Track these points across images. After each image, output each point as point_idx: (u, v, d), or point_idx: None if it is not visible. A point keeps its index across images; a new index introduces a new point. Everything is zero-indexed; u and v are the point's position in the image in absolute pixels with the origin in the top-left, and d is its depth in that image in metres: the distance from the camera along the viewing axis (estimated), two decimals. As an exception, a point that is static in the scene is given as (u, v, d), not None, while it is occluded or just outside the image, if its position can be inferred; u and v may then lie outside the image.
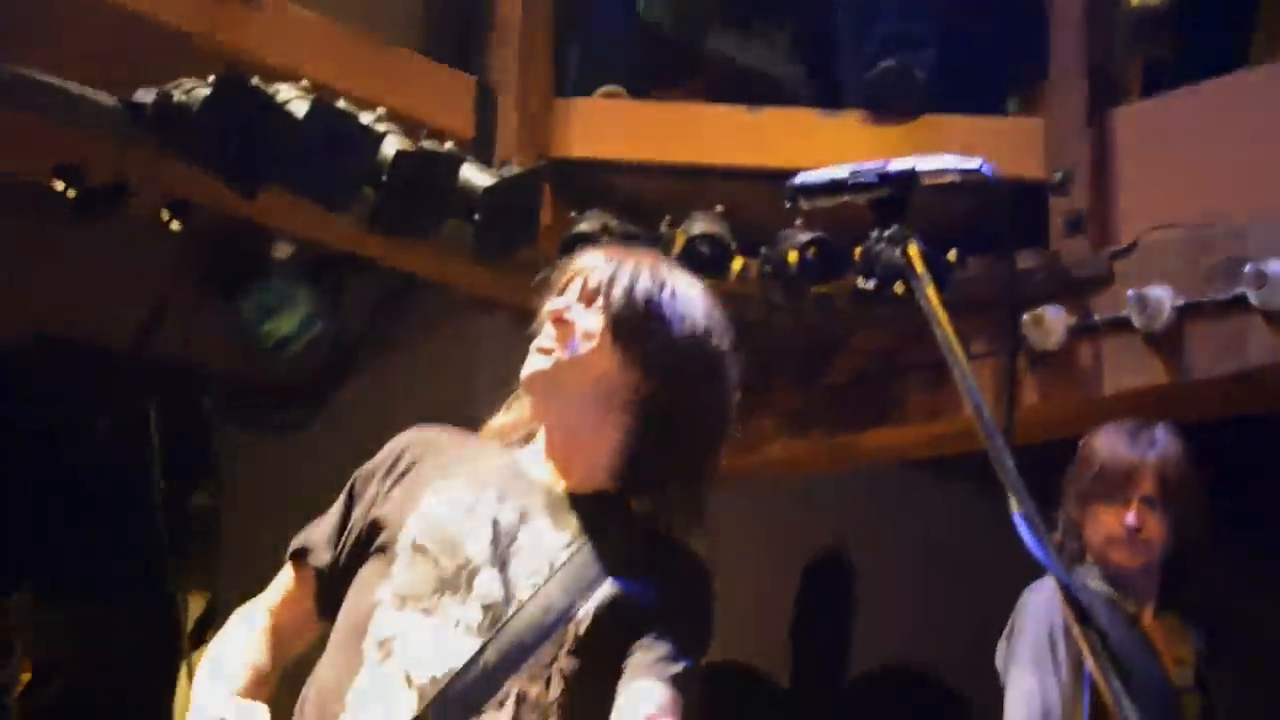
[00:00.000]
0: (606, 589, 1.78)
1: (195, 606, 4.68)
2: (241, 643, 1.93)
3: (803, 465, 4.55)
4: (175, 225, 3.71)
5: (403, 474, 1.95)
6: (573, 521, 1.86)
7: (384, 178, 3.53)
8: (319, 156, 3.47)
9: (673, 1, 4.38)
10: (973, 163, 1.56)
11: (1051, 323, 3.98)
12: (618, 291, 1.89)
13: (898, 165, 1.57)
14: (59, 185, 3.66)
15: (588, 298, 1.93)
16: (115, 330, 4.58)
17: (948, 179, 1.57)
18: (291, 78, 3.51)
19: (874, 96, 4.03)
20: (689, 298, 1.92)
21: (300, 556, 1.99)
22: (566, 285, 1.95)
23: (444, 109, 3.95)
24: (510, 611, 1.76)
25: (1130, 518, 2.90)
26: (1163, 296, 3.85)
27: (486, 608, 1.77)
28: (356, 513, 1.96)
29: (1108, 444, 2.98)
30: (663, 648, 1.75)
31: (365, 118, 3.54)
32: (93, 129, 3.52)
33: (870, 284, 4.14)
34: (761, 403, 4.23)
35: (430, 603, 1.79)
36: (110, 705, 4.75)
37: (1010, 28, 4.25)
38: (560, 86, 4.14)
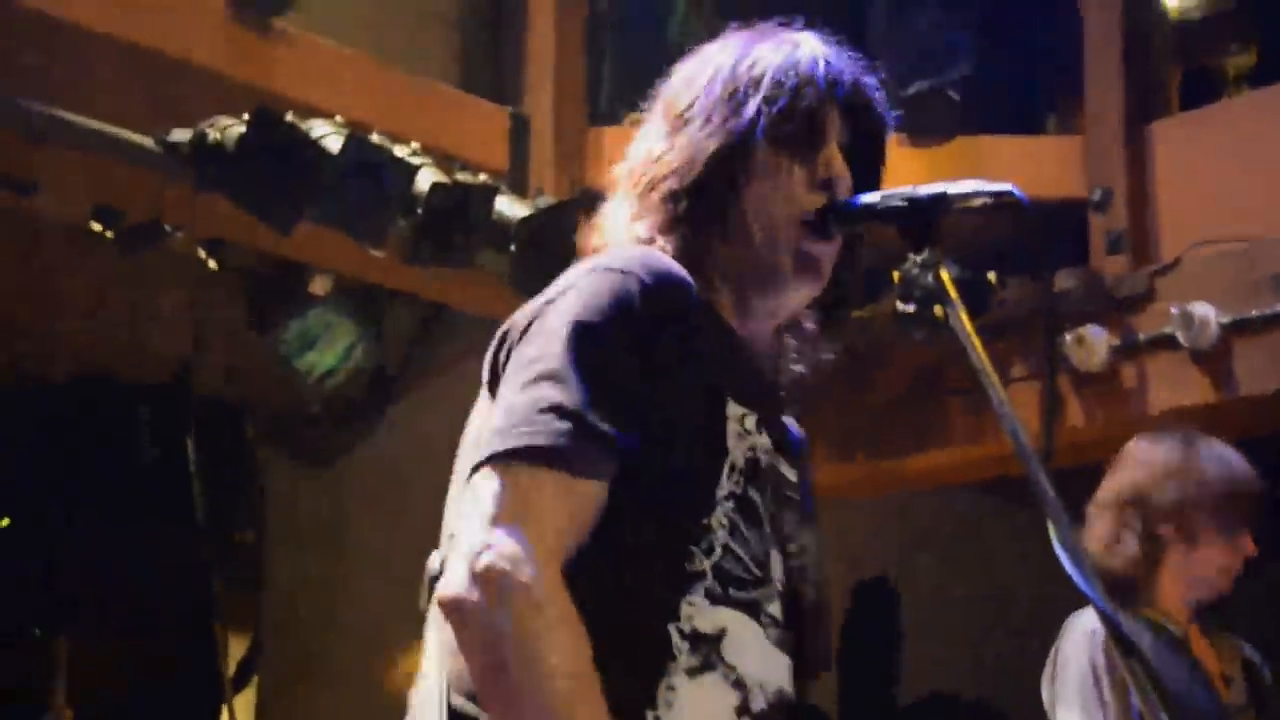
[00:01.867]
0: None
1: (237, 647, 4.67)
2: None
3: (846, 490, 4.51)
4: (213, 264, 3.73)
5: None
6: None
7: (419, 210, 3.53)
8: (354, 190, 3.48)
9: (707, 25, 4.37)
10: (1003, 186, 1.52)
11: (1094, 342, 3.94)
12: None
13: (928, 189, 1.54)
14: (97, 226, 3.69)
15: None
16: (157, 365, 4.61)
17: (979, 202, 1.54)
18: (325, 113, 3.53)
19: (908, 120, 4.00)
20: None
21: None
22: None
23: (478, 141, 3.96)
24: None
25: (1250, 547, 2.77)
26: (1208, 313, 3.81)
27: None
28: None
29: (1224, 468, 2.77)
30: None
31: (399, 151, 3.55)
32: (131, 168, 3.56)
33: (909, 307, 4.16)
34: (804, 427, 4.20)
35: None
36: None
37: (1046, 43, 4.21)
38: (592, 112, 4.14)
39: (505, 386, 1.46)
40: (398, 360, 4.77)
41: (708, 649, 1.44)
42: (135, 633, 4.57)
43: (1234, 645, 2.90)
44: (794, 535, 1.55)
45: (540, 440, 1.39)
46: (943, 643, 5.54)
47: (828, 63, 1.57)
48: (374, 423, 4.75)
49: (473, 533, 1.37)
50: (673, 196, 1.56)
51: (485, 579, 1.34)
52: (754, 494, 1.49)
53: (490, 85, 4.16)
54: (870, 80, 1.61)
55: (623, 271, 1.47)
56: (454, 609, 1.36)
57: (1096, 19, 4.11)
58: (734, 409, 1.51)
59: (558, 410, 1.40)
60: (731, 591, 1.46)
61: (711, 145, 1.55)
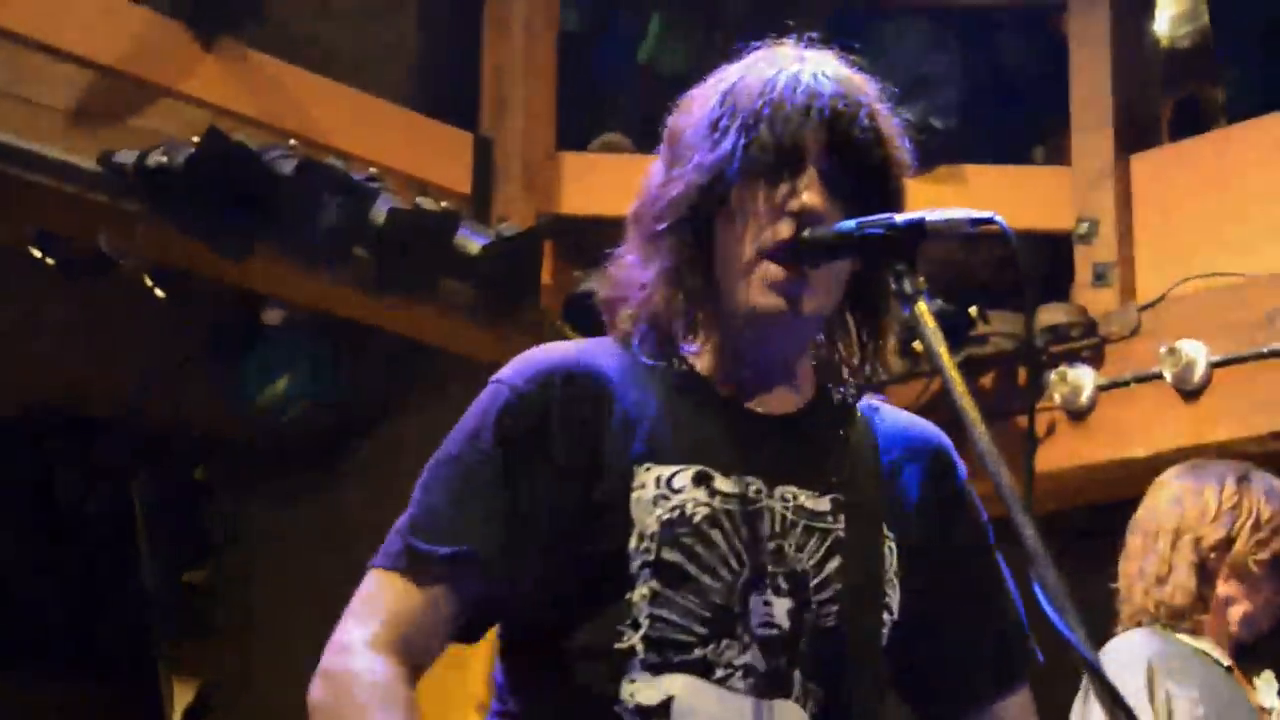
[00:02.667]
0: None
1: (184, 695, 4.48)
2: None
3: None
4: (159, 292, 3.58)
5: None
6: None
7: (377, 237, 3.40)
8: (308, 216, 3.34)
9: (677, 47, 4.27)
10: (985, 214, 1.46)
11: (1079, 379, 3.85)
12: None
13: (905, 217, 1.47)
14: (37, 253, 3.54)
15: None
16: (104, 398, 4.45)
17: (959, 230, 1.47)
18: (279, 135, 3.39)
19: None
20: None
21: None
22: None
23: (440, 165, 3.84)
24: None
25: None
26: (1196, 350, 3.72)
27: None
28: None
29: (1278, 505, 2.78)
30: None
31: (356, 175, 3.42)
32: (73, 192, 3.41)
33: (887, 341, 4.06)
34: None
35: None
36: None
37: (1034, 72, 4.14)
38: (559, 136, 4.02)
39: None
40: (365, 397, 4.61)
41: None
42: (76, 678, 4.39)
43: (1270, 679, 2.87)
44: (818, 572, 1.51)
45: (379, 560, 1.53)
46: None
47: (806, 84, 1.51)
48: (337, 461, 4.59)
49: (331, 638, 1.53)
50: (660, 236, 1.53)
51: (323, 677, 1.49)
52: (674, 555, 1.48)
53: (453, 107, 4.03)
54: (861, 99, 1.52)
55: (493, 382, 1.55)
56: (309, 712, 1.49)
57: (1085, 48, 4.03)
58: (654, 473, 1.49)
59: (397, 531, 1.53)
60: (673, 656, 1.47)
61: (696, 180, 1.51)
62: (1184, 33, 4.11)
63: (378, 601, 1.50)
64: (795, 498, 1.52)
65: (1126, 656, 2.68)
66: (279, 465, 4.65)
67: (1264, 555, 2.73)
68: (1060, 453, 3.91)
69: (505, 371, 1.55)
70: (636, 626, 1.46)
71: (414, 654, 1.49)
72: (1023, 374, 3.85)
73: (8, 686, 4.33)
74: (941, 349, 1.43)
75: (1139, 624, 2.75)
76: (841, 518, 1.53)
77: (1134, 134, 4.02)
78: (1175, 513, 2.76)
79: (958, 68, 4.04)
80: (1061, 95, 4.07)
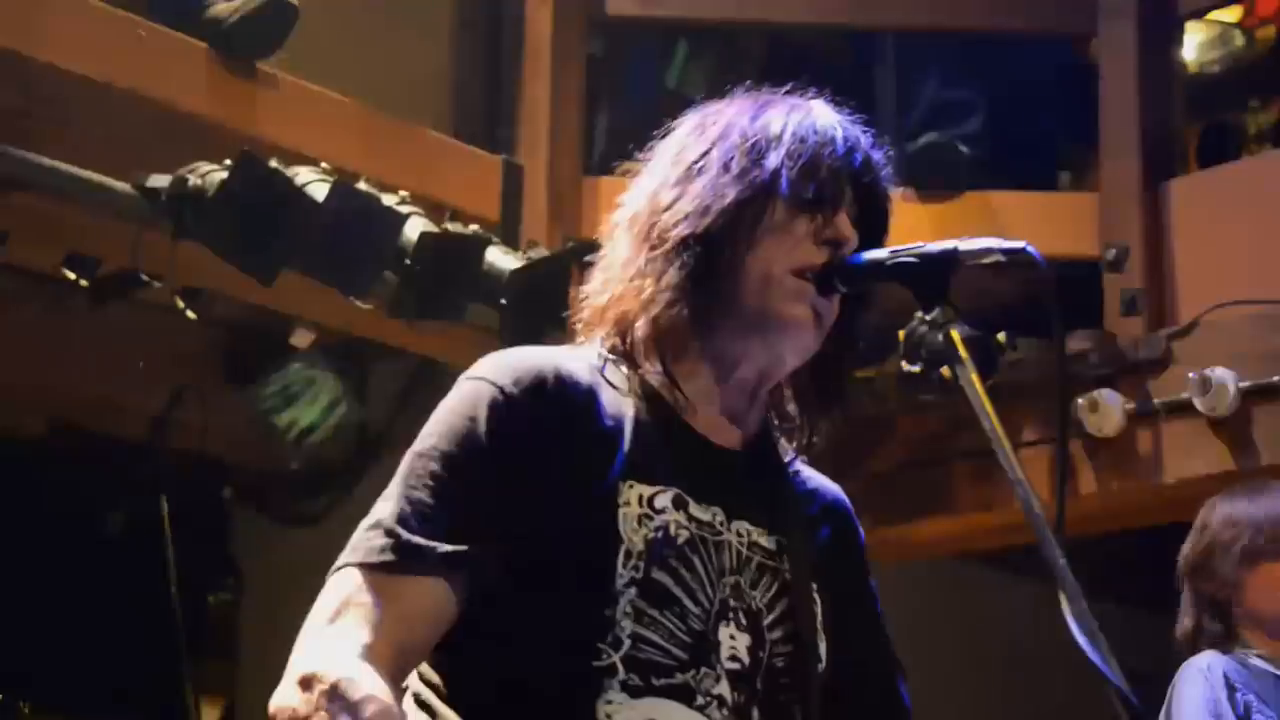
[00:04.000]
0: None
1: (209, 716, 4.49)
2: None
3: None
4: (190, 314, 3.60)
5: None
6: None
7: (407, 261, 3.41)
8: (339, 240, 3.36)
9: (704, 73, 4.28)
10: (1017, 243, 1.49)
11: (1108, 407, 3.83)
12: None
13: (939, 246, 1.51)
14: (70, 275, 3.56)
15: None
16: (131, 420, 4.47)
17: (991, 260, 1.50)
18: (311, 160, 3.42)
19: (916, 173, 3.90)
20: None
21: None
22: None
23: (469, 190, 3.85)
24: None
25: None
26: (1226, 378, 3.70)
27: None
28: None
29: (1262, 504, 2.86)
30: None
31: (387, 200, 3.43)
32: (107, 216, 3.43)
33: (915, 367, 4.04)
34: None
35: None
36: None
37: (1061, 97, 4.13)
38: (586, 162, 4.04)
39: None
40: (383, 418, 4.61)
41: None
42: (101, 701, 4.39)
43: None
44: (770, 611, 1.51)
45: (358, 557, 1.42)
46: (946, 716, 5.36)
47: (845, 131, 1.57)
48: (357, 483, 4.59)
49: (300, 642, 1.41)
50: (684, 244, 1.50)
51: (305, 684, 1.37)
52: (662, 575, 1.45)
53: (484, 134, 4.05)
54: (880, 157, 1.59)
55: (475, 379, 1.48)
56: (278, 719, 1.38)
57: (1113, 73, 4.01)
58: (636, 490, 1.46)
59: (377, 526, 1.43)
60: (654, 680, 1.43)
61: (730, 194, 1.52)
62: (1211, 59, 4.11)
63: (364, 605, 1.40)
64: (749, 534, 1.52)
65: (1193, 671, 2.71)
66: (305, 487, 4.66)
67: (1265, 548, 2.78)
68: (1088, 480, 3.89)
69: (486, 371, 1.49)
70: (618, 645, 1.42)
71: (405, 669, 1.42)
72: (1054, 402, 3.84)
73: (30, 706, 4.34)
74: (974, 377, 1.45)
75: (1209, 644, 2.78)
76: (786, 560, 1.53)
77: (1161, 160, 4.01)
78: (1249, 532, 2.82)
79: (983, 94, 4.04)
80: (1087, 121, 4.06)
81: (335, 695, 1.35)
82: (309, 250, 3.36)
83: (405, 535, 1.41)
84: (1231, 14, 4.52)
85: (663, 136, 1.62)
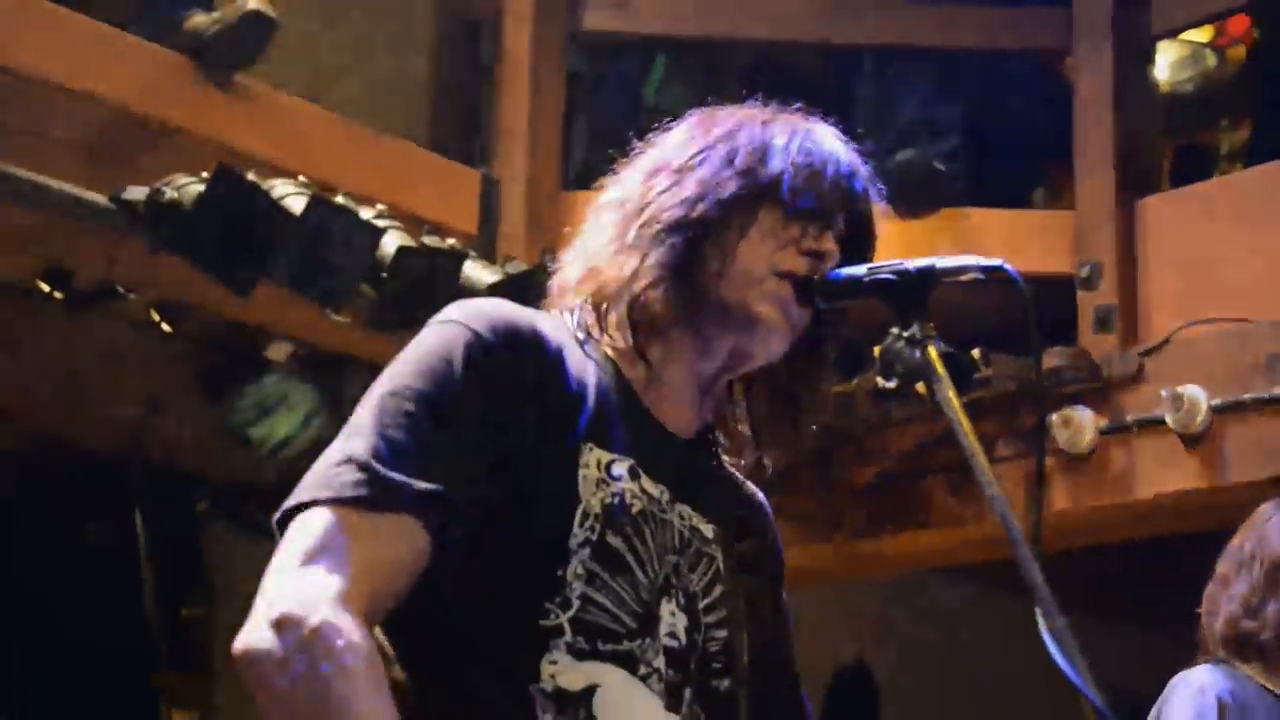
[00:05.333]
0: None
1: (182, 729, 4.47)
2: None
3: (823, 573, 4.36)
4: (166, 326, 3.59)
5: None
6: None
7: (384, 275, 3.41)
8: (316, 254, 3.35)
9: (683, 89, 4.29)
10: (994, 261, 1.51)
11: (1082, 423, 3.84)
12: None
13: (917, 263, 1.52)
14: (45, 287, 3.54)
15: None
16: (105, 433, 4.45)
17: (969, 277, 1.52)
18: (288, 172, 3.41)
19: (894, 190, 3.91)
20: None
21: None
22: None
23: (447, 204, 3.85)
24: None
25: None
26: (1198, 395, 3.72)
27: None
28: None
29: None
30: None
31: (365, 213, 3.43)
32: (82, 226, 3.42)
33: (890, 383, 4.06)
34: (778, 507, 4.07)
35: None
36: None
37: (1035, 116, 4.15)
38: (564, 177, 4.04)
39: None
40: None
41: (576, 707, 1.40)
42: (74, 712, 4.36)
43: None
44: (706, 595, 1.53)
45: (329, 493, 1.36)
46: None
47: (849, 155, 1.60)
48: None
49: (268, 581, 1.34)
50: (676, 226, 1.53)
51: (280, 626, 1.30)
52: (616, 541, 1.45)
53: (462, 148, 4.05)
54: (875, 192, 1.62)
55: (450, 322, 1.46)
56: (249, 662, 1.31)
57: (1087, 92, 4.04)
58: (596, 454, 1.47)
59: (349, 461, 1.37)
60: (600, 644, 1.42)
61: (730, 187, 1.54)
62: (1184, 78, 4.14)
63: (338, 547, 1.33)
64: (690, 518, 1.54)
65: (1185, 691, 2.66)
66: (279, 499, 4.64)
67: None
68: (1060, 496, 3.91)
69: (459, 315, 1.46)
70: (567, 606, 1.40)
71: (378, 613, 1.36)
72: (1029, 418, 3.85)
73: (5, 720, 4.31)
74: (951, 393, 1.45)
75: (1214, 655, 2.74)
76: (719, 551, 1.55)
77: (1136, 178, 4.03)
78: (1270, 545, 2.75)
79: (961, 112, 4.07)
80: (1061, 138, 4.09)
81: (316, 641, 1.29)
82: (286, 263, 3.36)
83: (382, 470, 1.36)
84: (1203, 34, 4.56)
85: (644, 144, 1.62)
